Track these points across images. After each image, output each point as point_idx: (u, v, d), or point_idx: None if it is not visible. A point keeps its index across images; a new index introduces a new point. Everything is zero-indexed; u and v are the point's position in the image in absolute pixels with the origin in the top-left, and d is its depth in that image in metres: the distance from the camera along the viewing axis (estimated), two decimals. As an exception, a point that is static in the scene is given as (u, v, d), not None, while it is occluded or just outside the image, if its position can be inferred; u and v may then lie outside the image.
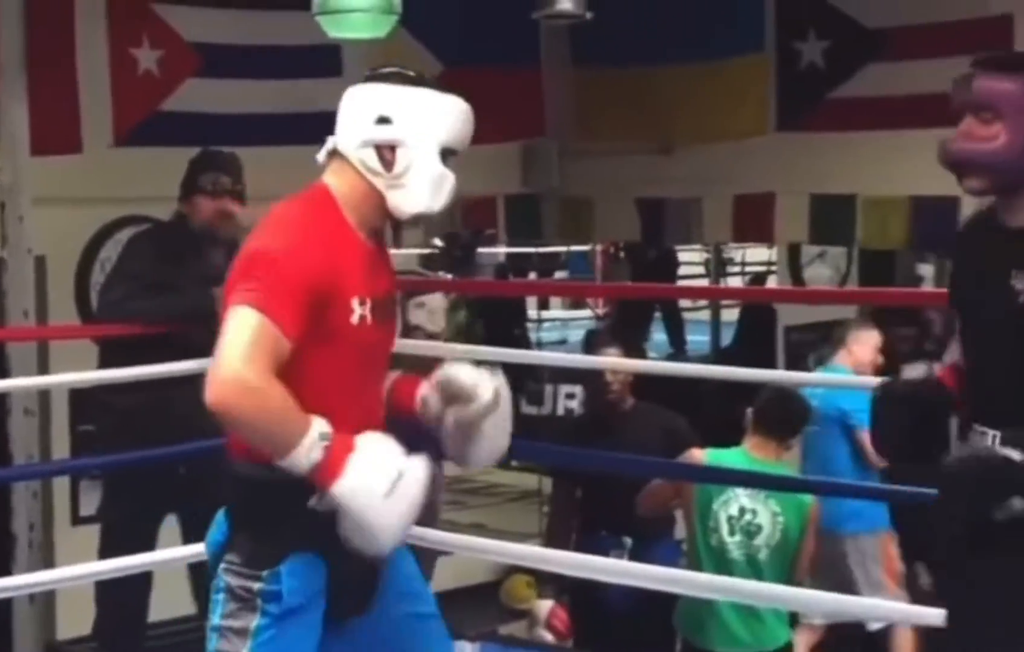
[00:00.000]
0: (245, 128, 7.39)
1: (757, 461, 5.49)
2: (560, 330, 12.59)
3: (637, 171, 9.26)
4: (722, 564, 5.40)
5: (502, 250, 11.03)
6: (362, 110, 2.87)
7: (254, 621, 2.86)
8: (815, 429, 6.71)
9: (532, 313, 12.42)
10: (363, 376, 2.95)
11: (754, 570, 5.39)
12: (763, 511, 5.45)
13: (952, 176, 8.11)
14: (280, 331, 2.73)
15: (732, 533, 5.47)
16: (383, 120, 2.84)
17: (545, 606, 6.86)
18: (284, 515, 2.85)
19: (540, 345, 12.37)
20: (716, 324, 11.31)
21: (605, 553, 5.66)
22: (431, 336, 6.59)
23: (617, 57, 8.95)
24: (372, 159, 2.84)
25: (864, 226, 8.60)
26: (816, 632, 6.64)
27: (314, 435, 2.71)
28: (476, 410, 2.97)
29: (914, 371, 3.07)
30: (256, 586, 2.87)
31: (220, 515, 3.01)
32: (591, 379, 7.00)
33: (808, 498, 5.55)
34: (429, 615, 3.19)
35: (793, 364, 9.29)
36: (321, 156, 2.97)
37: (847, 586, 6.66)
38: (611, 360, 6.48)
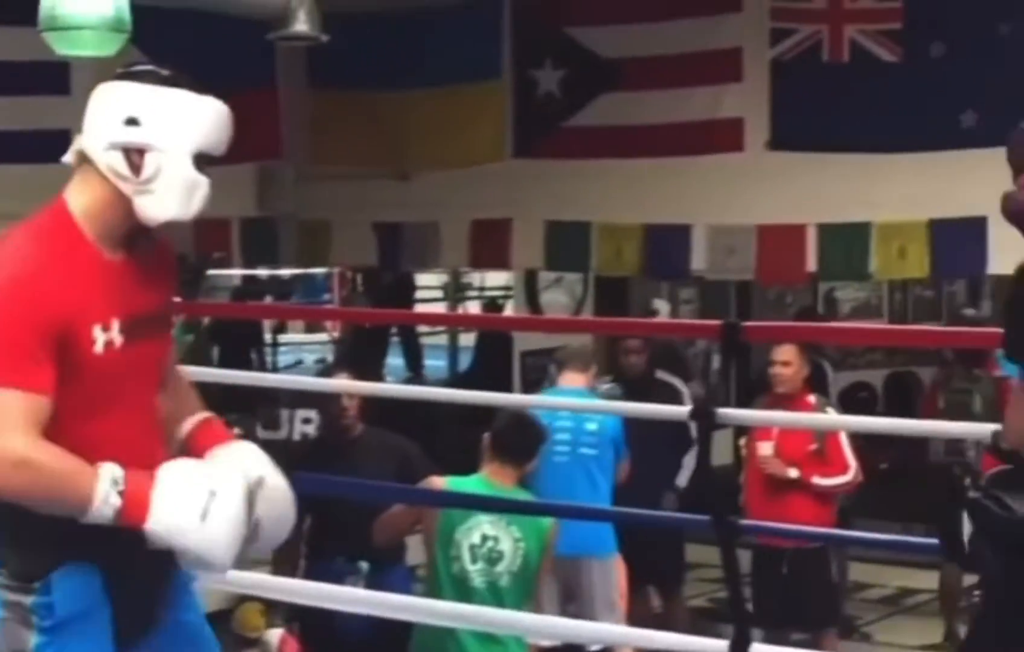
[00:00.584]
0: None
1: (496, 487, 5.50)
2: (296, 353, 12.46)
3: (374, 195, 9.26)
4: (464, 591, 5.39)
5: (237, 272, 10.87)
6: (110, 110, 2.69)
7: (31, 640, 2.72)
8: (593, 453, 6.83)
9: (268, 336, 12.26)
10: (126, 401, 2.76)
11: (495, 597, 5.39)
12: (505, 538, 5.47)
13: (680, 206, 8.40)
14: (30, 393, 2.58)
15: (474, 561, 5.46)
16: (132, 121, 2.66)
17: (275, 634, 6.82)
18: (51, 524, 2.67)
19: (276, 368, 12.26)
20: (454, 348, 11.36)
21: (341, 580, 5.62)
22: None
23: (355, 81, 8.93)
24: (119, 163, 2.66)
25: (598, 253, 8.76)
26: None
27: (105, 484, 2.57)
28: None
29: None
30: (28, 600, 2.71)
31: None
32: (326, 404, 6.94)
33: (547, 522, 5.59)
34: (201, 622, 3.07)
35: (529, 388, 9.40)
36: (67, 158, 2.78)
37: (583, 606, 6.74)
38: (344, 383, 6.47)
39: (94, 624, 2.74)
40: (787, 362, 7.13)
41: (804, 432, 7.16)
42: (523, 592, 5.48)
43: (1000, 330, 3.24)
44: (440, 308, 11.84)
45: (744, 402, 8.91)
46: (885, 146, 7.70)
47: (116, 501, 2.56)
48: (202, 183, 2.74)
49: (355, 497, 5.83)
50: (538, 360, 9.65)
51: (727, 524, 4.52)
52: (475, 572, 5.43)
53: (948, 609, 8.51)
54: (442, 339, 11.55)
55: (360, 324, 10.67)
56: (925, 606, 9.18)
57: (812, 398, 7.35)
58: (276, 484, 2.90)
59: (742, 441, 7.74)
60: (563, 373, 7.36)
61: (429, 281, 11.20)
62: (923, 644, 8.43)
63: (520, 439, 5.71)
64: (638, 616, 7.27)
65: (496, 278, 10.87)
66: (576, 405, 7.09)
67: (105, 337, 2.68)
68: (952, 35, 7.66)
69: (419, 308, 11.84)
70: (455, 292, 11.32)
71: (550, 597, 6.32)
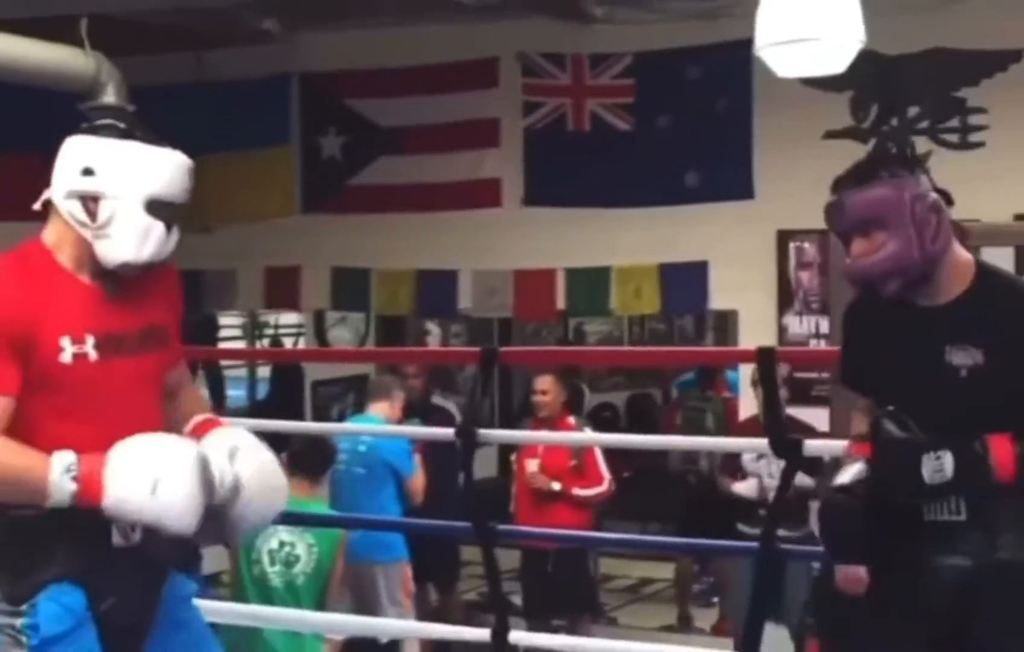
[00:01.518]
0: None
1: (293, 499, 5.49)
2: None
3: (180, 247, 9.10)
4: (265, 592, 5.38)
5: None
6: (69, 162, 2.63)
7: None
8: (363, 472, 6.82)
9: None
10: (108, 410, 2.65)
11: (293, 595, 5.39)
12: (300, 543, 5.47)
13: (448, 253, 8.44)
14: None
15: (273, 564, 5.45)
16: (87, 171, 2.59)
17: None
18: (37, 548, 2.61)
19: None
20: (252, 380, 11.26)
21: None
22: None
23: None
24: (77, 210, 2.59)
25: (377, 295, 8.82)
26: (336, 644, 6.67)
27: (58, 470, 2.48)
28: (219, 499, 2.70)
29: (850, 471, 2.63)
30: (19, 622, 2.61)
31: None
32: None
33: (338, 532, 5.61)
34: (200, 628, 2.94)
35: (319, 414, 9.38)
36: (37, 205, 2.70)
37: (373, 603, 6.74)
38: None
39: (79, 641, 2.64)
40: (545, 390, 7.24)
41: (565, 450, 7.26)
42: (318, 590, 5.49)
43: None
44: (239, 345, 11.76)
45: (508, 423, 9.05)
46: (621, 202, 7.89)
47: (71, 486, 2.47)
48: (156, 227, 2.66)
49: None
50: (327, 389, 9.64)
51: (485, 530, 4.62)
52: (274, 574, 5.43)
53: (681, 596, 8.74)
54: (242, 372, 11.41)
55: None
56: (662, 593, 9.38)
57: (572, 419, 7.48)
58: (262, 456, 2.80)
59: (513, 457, 7.84)
60: (370, 403, 7.35)
61: (230, 321, 11.04)
62: (660, 625, 8.60)
63: (314, 457, 5.72)
64: (419, 610, 7.32)
65: (289, 318, 10.78)
66: (351, 429, 7.13)
67: (75, 349, 2.61)
68: (676, 108, 7.92)
69: (221, 345, 11.80)
70: (253, 330, 11.20)
71: (342, 598, 6.32)
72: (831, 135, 7.50)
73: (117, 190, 2.58)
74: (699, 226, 7.69)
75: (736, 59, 7.04)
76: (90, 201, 2.58)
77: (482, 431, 5.33)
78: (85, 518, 2.57)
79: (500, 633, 4.33)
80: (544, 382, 7.24)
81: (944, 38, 7.27)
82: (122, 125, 2.66)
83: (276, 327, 11.16)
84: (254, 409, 10.56)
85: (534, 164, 8.30)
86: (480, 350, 5.85)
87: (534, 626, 6.76)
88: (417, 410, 7.56)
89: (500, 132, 8.36)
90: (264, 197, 8.89)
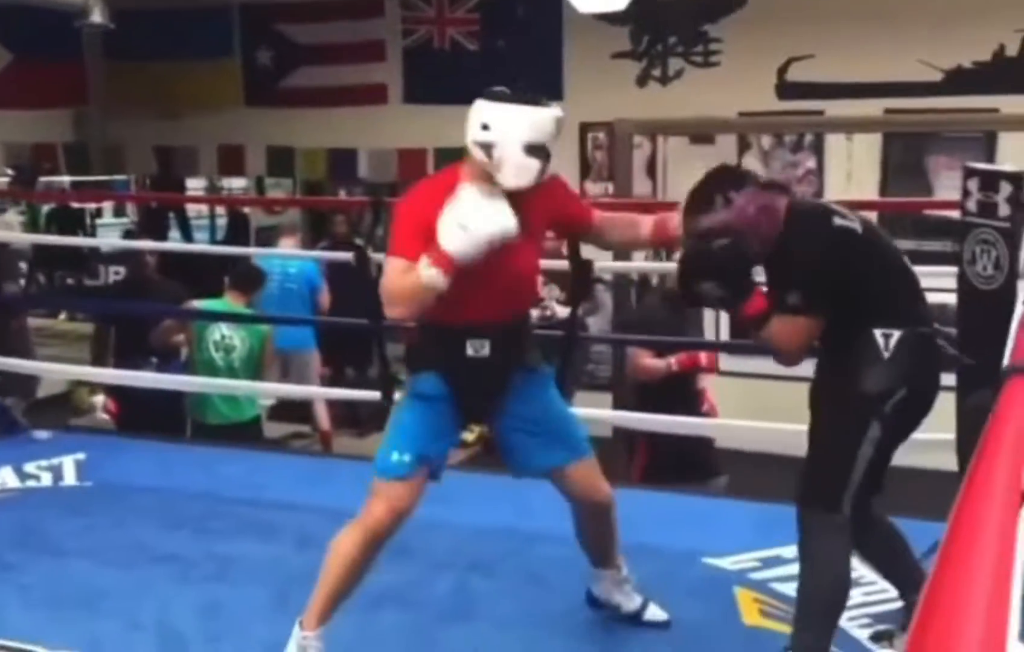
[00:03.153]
0: None
1: (233, 306, 5.52)
2: (108, 231, 11.90)
3: (155, 129, 8.96)
4: (212, 370, 5.41)
5: (67, 179, 10.28)
6: (474, 119, 2.57)
7: (404, 400, 2.71)
8: (294, 288, 6.80)
9: (88, 219, 11.64)
10: (487, 272, 2.51)
11: (232, 372, 5.42)
12: (236, 335, 5.48)
13: (351, 137, 8.35)
14: (403, 259, 2.48)
15: (217, 350, 5.47)
16: (485, 127, 2.54)
17: (100, 400, 6.66)
18: (425, 349, 2.68)
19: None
20: (212, 226, 11.10)
21: (139, 368, 5.51)
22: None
23: (137, 55, 8.63)
24: (480, 154, 2.55)
25: (300, 167, 8.77)
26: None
27: (423, 266, 2.43)
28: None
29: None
30: (409, 382, 2.70)
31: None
32: (132, 260, 6.74)
33: (265, 328, 5.63)
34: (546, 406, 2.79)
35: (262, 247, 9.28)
36: (469, 144, 2.59)
37: (291, 379, 6.77)
38: (145, 244, 6.31)
39: (438, 407, 2.66)
40: None
41: None
42: (251, 369, 5.50)
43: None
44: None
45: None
46: (473, 100, 7.86)
47: (431, 269, 2.43)
48: (532, 164, 2.54)
49: (147, 317, 5.74)
50: (265, 233, 9.58)
51: (378, 324, 4.73)
52: (218, 357, 5.45)
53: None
54: (205, 222, 11.23)
55: (150, 207, 10.34)
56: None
57: None
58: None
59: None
60: (280, 239, 7.34)
61: (195, 184, 10.82)
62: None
63: (248, 276, 5.72)
64: (337, 381, 7.32)
65: (238, 182, 10.62)
66: (281, 253, 7.11)
67: None
68: (509, 34, 7.91)
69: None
70: (211, 192, 11.00)
71: (271, 376, 6.37)
72: (616, 55, 7.60)
73: (504, 140, 2.53)
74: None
75: (551, 0, 7.09)
76: (487, 148, 2.55)
77: (373, 254, 5.43)
78: (449, 334, 2.63)
79: (387, 394, 4.48)
80: None
81: (693, -12, 7.40)
82: (508, 92, 2.60)
83: (230, 190, 10.95)
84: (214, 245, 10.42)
85: (410, 73, 8.26)
86: (372, 199, 5.89)
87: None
88: (341, 245, 7.56)
89: (386, 49, 8.30)
90: (216, 95, 8.75)
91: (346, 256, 6.06)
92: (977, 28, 6.61)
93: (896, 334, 2.44)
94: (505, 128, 2.53)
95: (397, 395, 2.82)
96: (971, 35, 6.66)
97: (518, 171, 2.54)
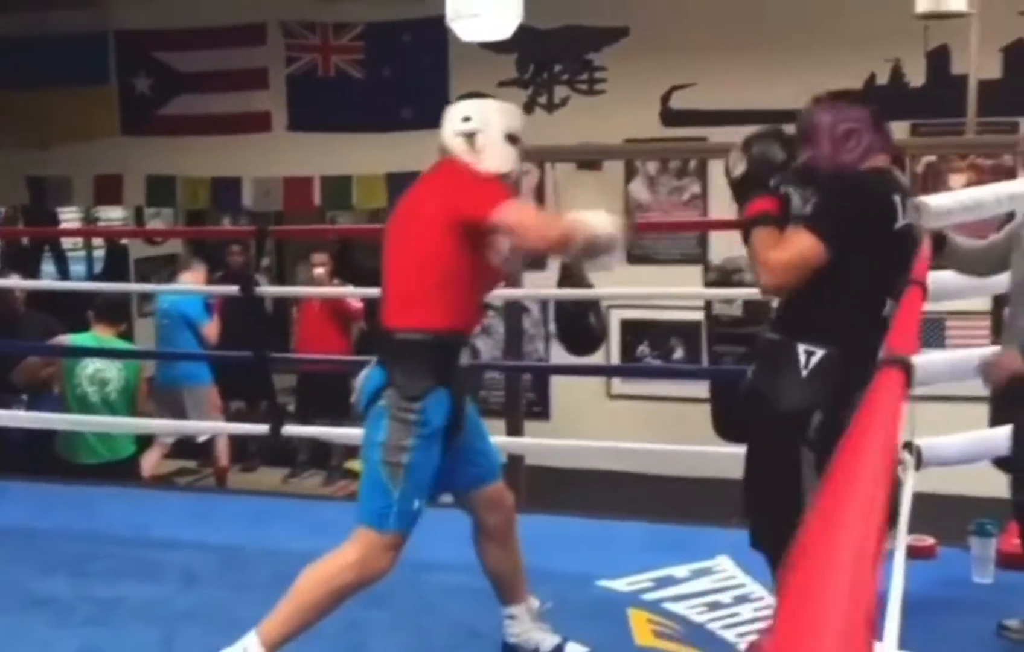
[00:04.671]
0: None
1: (102, 339, 5.34)
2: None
3: (27, 158, 8.66)
4: (86, 405, 5.23)
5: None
6: (451, 118, 2.64)
7: (410, 441, 2.49)
8: (167, 322, 6.65)
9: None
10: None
11: (108, 407, 5.27)
12: (110, 369, 5.31)
13: (234, 165, 8.25)
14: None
15: (91, 384, 5.30)
16: (466, 118, 2.62)
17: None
18: (427, 360, 2.53)
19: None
20: (90, 258, 10.78)
21: (9, 406, 5.29)
22: None
23: (7, 82, 8.36)
24: (461, 144, 2.61)
25: (182, 195, 8.60)
26: (164, 447, 6.50)
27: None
28: None
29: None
30: (412, 415, 2.50)
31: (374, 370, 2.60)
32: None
33: (139, 361, 5.48)
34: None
35: (141, 282, 9.05)
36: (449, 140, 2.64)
37: (183, 417, 6.59)
38: (13, 282, 6.11)
39: (442, 436, 2.56)
40: (323, 263, 7.02)
41: (341, 302, 7.03)
42: (128, 403, 5.35)
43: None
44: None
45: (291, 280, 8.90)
46: (359, 129, 7.86)
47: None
48: (511, 152, 2.66)
49: (16, 353, 5.53)
50: (145, 264, 9.35)
51: (261, 357, 4.67)
52: (92, 392, 5.28)
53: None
54: (82, 253, 10.89)
55: (19, 242, 9.98)
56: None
57: (337, 281, 7.25)
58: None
59: (293, 309, 7.74)
60: (181, 273, 7.09)
61: (70, 216, 10.48)
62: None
63: (115, 308, 5.55)
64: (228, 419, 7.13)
65: (116, 212, 10.32)
66: (168, 289, 6.94)
67: None
68: (395, 63, 7.92)
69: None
70: (90, 221, 10.66)
71: (161, 414, 6.22)
72: (503, 83, 7.67)
73: (486, 126, 2.63)
74: (413, 146, 7.67)
75: (436, 29, 7.08)
76: (470, 136, 2.62)
77: (259, 288, 5.35)
78: (453, 345, 2.57)
79: (275, 428, 4.42)
80: (319, 256, 7.12)
81: (577, 17, 7.53)
82: (484, 94, 2.76)
83: (108, 219, 10.64)
84: (92, 280, 10.10)
85: (295, 101, 8.19)
86: (256, 228, 5.81)
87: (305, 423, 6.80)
88: (238, 277, 7.40)
89: (269, 77, 8.22)
90: (92, 123, 8.52)
91: (230, 290, 5.98)
92: (849, 57, 6.90)
93: (819, 353, 2.37)
94: (486, 116, 2.63)
95: (290, 428, 2.78)
96: (844, 64, 6.93)
97: (502, 156, 2.63)
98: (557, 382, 7.47)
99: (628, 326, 7.43)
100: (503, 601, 2.84)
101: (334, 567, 2.49)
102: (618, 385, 7.46)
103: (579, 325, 2.68)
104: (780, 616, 0.66)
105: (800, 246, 2.39)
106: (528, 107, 7.72)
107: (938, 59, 6.76)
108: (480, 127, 2.60)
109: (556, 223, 2.54)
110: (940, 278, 3.18)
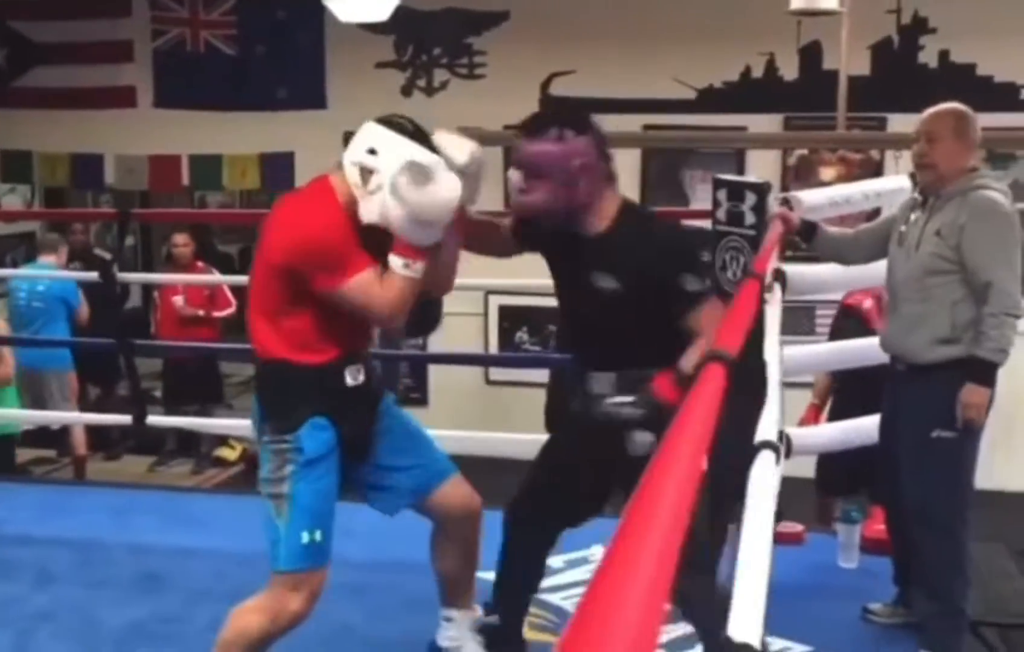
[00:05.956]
0: None
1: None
2: None
3: None
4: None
5: None
6: (361, 138, 2.37)
7: (289, 469, 2.38)
8: (41, 306, 6.37)
9: None
10: None
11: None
12: None
13: (96, 141, 7.98)
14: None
15: None
16: (371, 151, 2.32)
17: None
18: (299, 392, 2.41)
19: None
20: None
21: None
22: None
23: None
24: (354, 175, 2.35)
25: (40, 172, 8.32)
26: None
27: (397, 265, 2.36)
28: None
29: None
30: (286, 447, 2.39)
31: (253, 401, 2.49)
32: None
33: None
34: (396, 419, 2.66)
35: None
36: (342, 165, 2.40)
37: (49, 402, 6.31)
38: None
39: (328, 461, 2.42)
40: (183, 244, 6.93)
41: (200, 287, 7.01)
42: None
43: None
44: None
45: (151, 270, 8.64)
46: (231, 106, 7.71)
47: (409, 264, 2.36)
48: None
49: None
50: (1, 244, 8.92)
51: (126, 344, 4.53)
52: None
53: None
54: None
55: None
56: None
57: (200, 263, 7.19)
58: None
59: (155, 293, 7.53)
60: (41, 255, 6.77)
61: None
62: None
63: None
64: (83, 406, 6.88)
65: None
66: (30, 274, 6.65)
67: None
68: (270, 40, 7.76)
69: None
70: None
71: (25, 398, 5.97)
72: (380, 65, 7.61)
73: (385, 166, 2.35)
74: (287, 127, 7.64)
75: (313, 6, 6.97)
76: (366, 172, 2.35)
77: (122, 274, 5.16)
78: (328, 370, 2.42)
79: (139, 417, 4.31)
80: (181, 237, 6.97)
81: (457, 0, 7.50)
82: (398, 120, 2.43)
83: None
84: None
85: (161, 76, 7.96)
86: (118, 212, 5.63)
87: (171, 411, 6.64)
88: (80, 257, 7.14)
89: (134, 50, 7.97)
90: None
91: (87, 276, 5.78)
92: (726, 50, 7.07)
93: None
94: (392, 162, 2.35)
95: (154, 419, 2.69)
96: (721, 57, 7.12)
97: (387, 209, 2.43)
98: (435, 368, 7.45)
99: (506, 312, 7.46)
100: (446, 601, 2.78)
101: (246, 615, 2.40)
102: (496, 372, 7.49)
103: (419, 310, 2.59)
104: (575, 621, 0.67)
105: (714, 316, 2.34)
106: (406, 90, 7.66)
107: (810, 55, 6.99)
108: (381, 168, 2.34)
109: (394, 302, 2.36)
110: (806, 271, 3.29)
